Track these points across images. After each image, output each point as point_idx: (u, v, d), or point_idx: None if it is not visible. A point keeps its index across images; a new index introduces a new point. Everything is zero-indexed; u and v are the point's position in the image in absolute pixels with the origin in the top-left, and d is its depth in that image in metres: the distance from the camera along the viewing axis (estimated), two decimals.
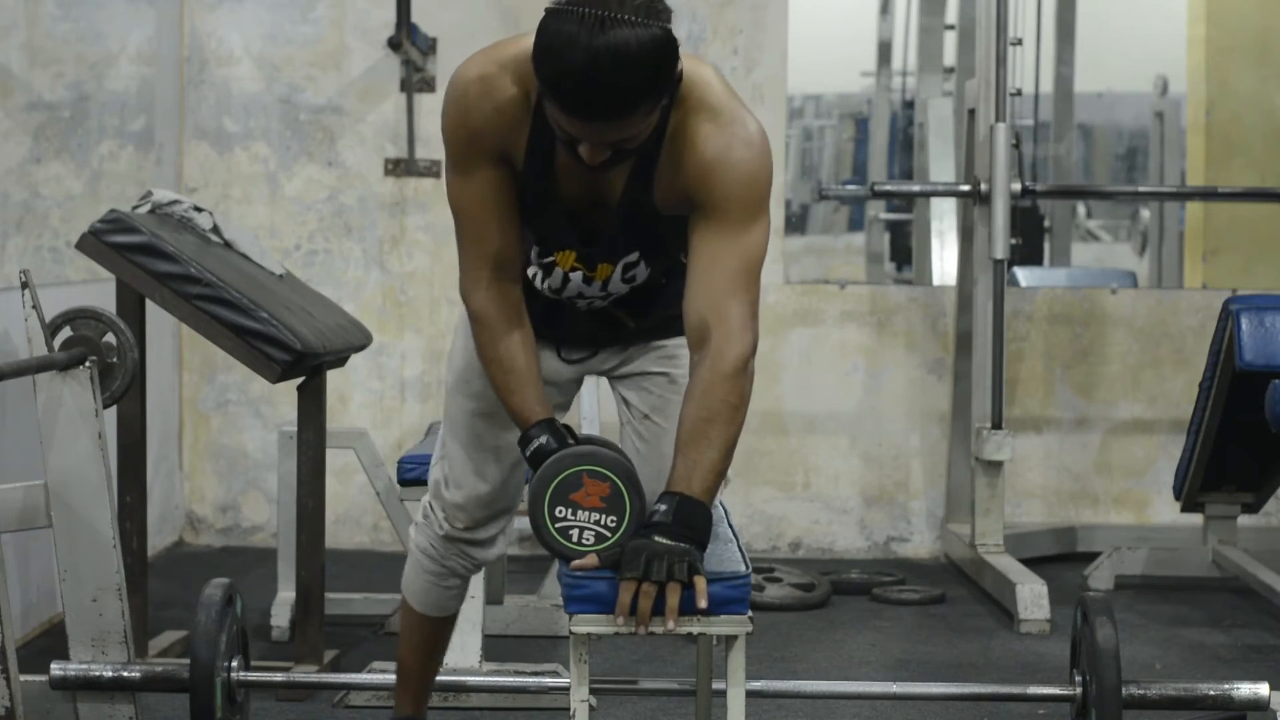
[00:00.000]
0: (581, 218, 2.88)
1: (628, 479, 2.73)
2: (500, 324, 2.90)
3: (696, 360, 2.75)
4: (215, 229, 4.20)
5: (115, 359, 3.51)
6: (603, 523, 2.73)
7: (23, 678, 3.31)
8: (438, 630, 3.31)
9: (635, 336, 3.09)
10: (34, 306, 3.36)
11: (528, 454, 2.85)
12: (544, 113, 2.71)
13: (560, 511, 2.73)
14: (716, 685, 3.07)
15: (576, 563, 2.69)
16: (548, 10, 2.62)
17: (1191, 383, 5.30)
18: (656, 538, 2.62)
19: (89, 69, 5.49)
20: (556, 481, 2.75)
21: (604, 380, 3.20)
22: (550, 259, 2.95)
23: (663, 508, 2.66)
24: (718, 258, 2.75)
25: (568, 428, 2.90)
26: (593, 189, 2.84)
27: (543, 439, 2.84)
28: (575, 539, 2.72)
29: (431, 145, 5.80)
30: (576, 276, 2.95)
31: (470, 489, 3.14)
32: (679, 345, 2.95)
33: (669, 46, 2.62)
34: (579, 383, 3.20)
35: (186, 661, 3.40)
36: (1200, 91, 7.67)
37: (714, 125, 2.77)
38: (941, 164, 7.06)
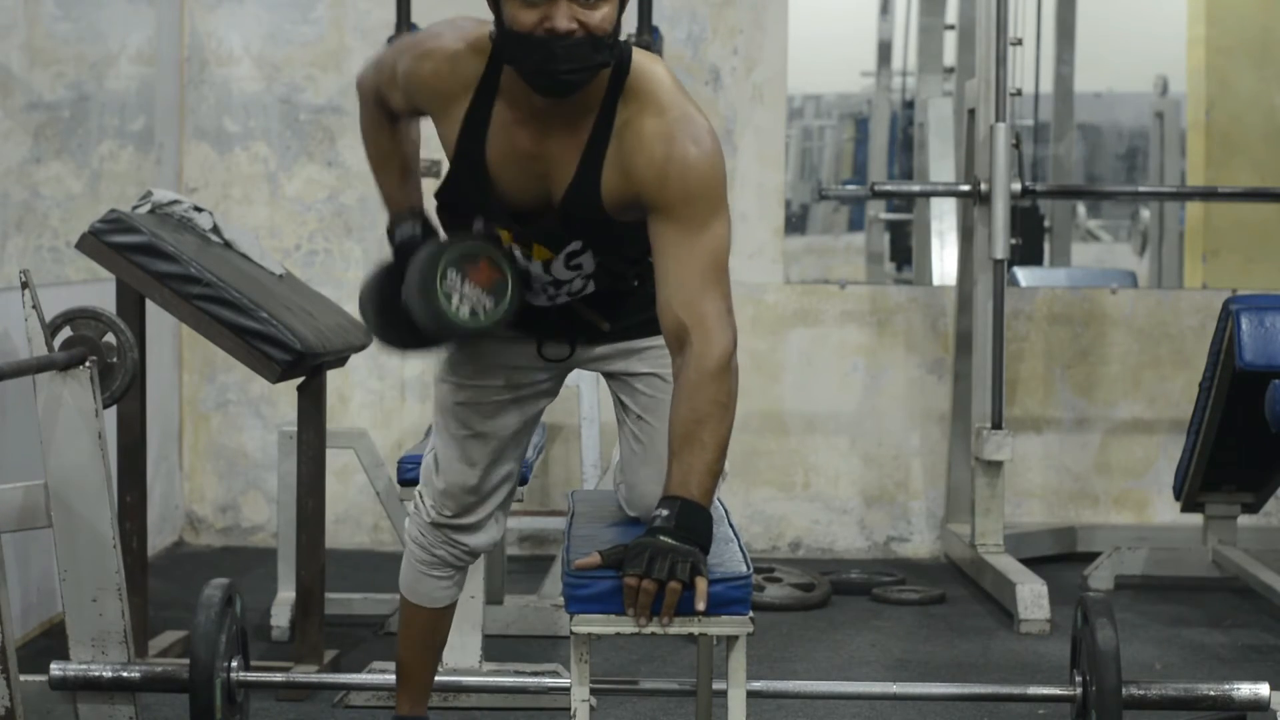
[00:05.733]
0: (521, 215, 2.94)
1: (518, 278, 2.91)
2: (384, 122, 3.15)
3: (679, 363, 2.76)
4: (215, 229, 4.20)
5: (115, 359, 3.51)
6: (482, 303, 2.89)
7: (23, 678, 3.32)
8: (433, 623, 3.32)
9: (614, 337, 3.10)
10: (34, 306, 3.36)
11: (397, 240, 3.03)
12: (484, 96, 2.87)
13: (452, 275, 2.88)
14: (717, 685, 3.07)
15: (579, 561, 2.69)
16: None
17: (1191, 383, 5.30)
18: (661, 538, 2.63)
19: (89, 69, 5.49)
20: (463, 249, 2.89)
21: (604, 380, 3.22)
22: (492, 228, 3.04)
23: (665, 512, 2.66)
24: (684, 259, 2.77)
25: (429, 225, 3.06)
26: (536, 182, 2.87)
27: (417, 229, 3.04)
28: (452, 305, 2.87)
29: (431, 145, 5.74)
30: (518, 254, 2.99)
31: (456, 476, 3.16)
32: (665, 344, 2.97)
33: None
34: (562, 377, 3.22)
35: (186, 661, 3.40)
36: (1200, 91, 7.67)
37: (662, 123, 2.80)
38: (941, 164, 7.05)
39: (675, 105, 2.81)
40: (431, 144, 6.11)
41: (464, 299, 2.89)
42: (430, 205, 3.12)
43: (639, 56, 2.84)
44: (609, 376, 3.16)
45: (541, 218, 2.91)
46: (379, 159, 3.19)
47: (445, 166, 2.98)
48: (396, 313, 2.95)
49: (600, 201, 2.84)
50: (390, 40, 5.45)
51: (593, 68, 2.76)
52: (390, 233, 3.10)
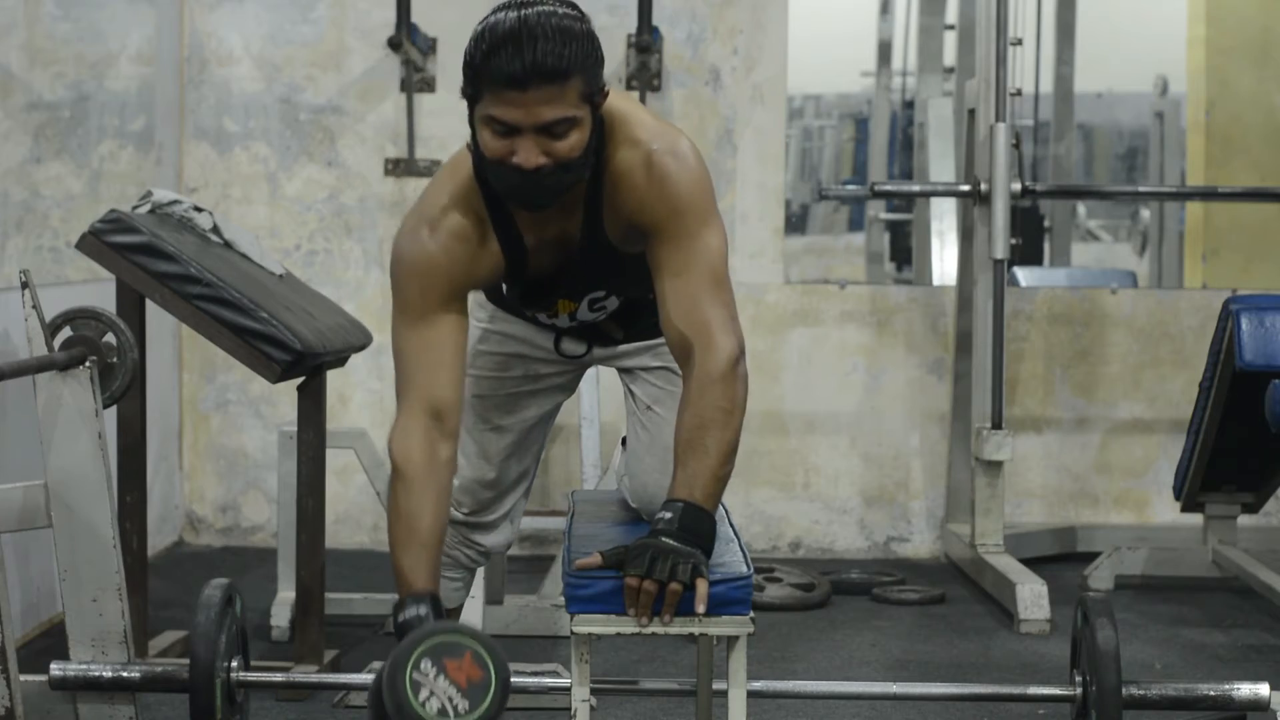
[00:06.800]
0: (546, 284, 2.93)
1: (503, 688, 2.60)
2: (418, 482, 2.76)
3: (686, 373, 2.76)
4: (215, 229, 4.20)
5: (115, 359, 3.51)
6: (455, 702, 2.59)
7: (23, 678, 3.32)
8: None
9: (628, 339, 3.12)
10: (34, 306, 3.36)
11: (400, 619, 2.72)
12: (502, 218, 2.79)
13: (426, 665, 2.58)
14: (717, 685, 3.07)
15: (580, 561, 2.69)
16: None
17: (1191, 383, 5.30)
18: (663, 539, 2.63)
19: (89, 69, 5.49)
20: (442, 638, 2.60)
21: (604, 380, 3.24)
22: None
23: (667, 515, 2.67)
24: (680, 272, 2.78)
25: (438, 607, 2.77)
26: (556, 249, 2.88)
27: (421, 610, 2.71)
28: (419, 698, 2.57)
29: (431, 145, 5.80)
30: (541, 317, 3.03)
31: (474, 472, 3.18)
32: None
33: (590, 27, 2.71)
34: (579, 374, 3.24)
35: (186, 661, 3.40)
36: (1200, 91, 7.68)
37: (638, 151, 2.81)
38: (941, 164, 7.06)
39: (645, 130, 2.82)
40: (432, 144, 6.09)
41: (435, 694, 2.58)
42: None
43: (612, 99, 2.82)
44: (622, 370, 3.19)
45: (565, 274, 2.92)
46: (408, 537, 2.78)
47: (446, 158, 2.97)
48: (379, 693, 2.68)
49: (610, 244, 2.86)
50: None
51: (565, 189, 2.75)
52: (395, 612, 2.77)
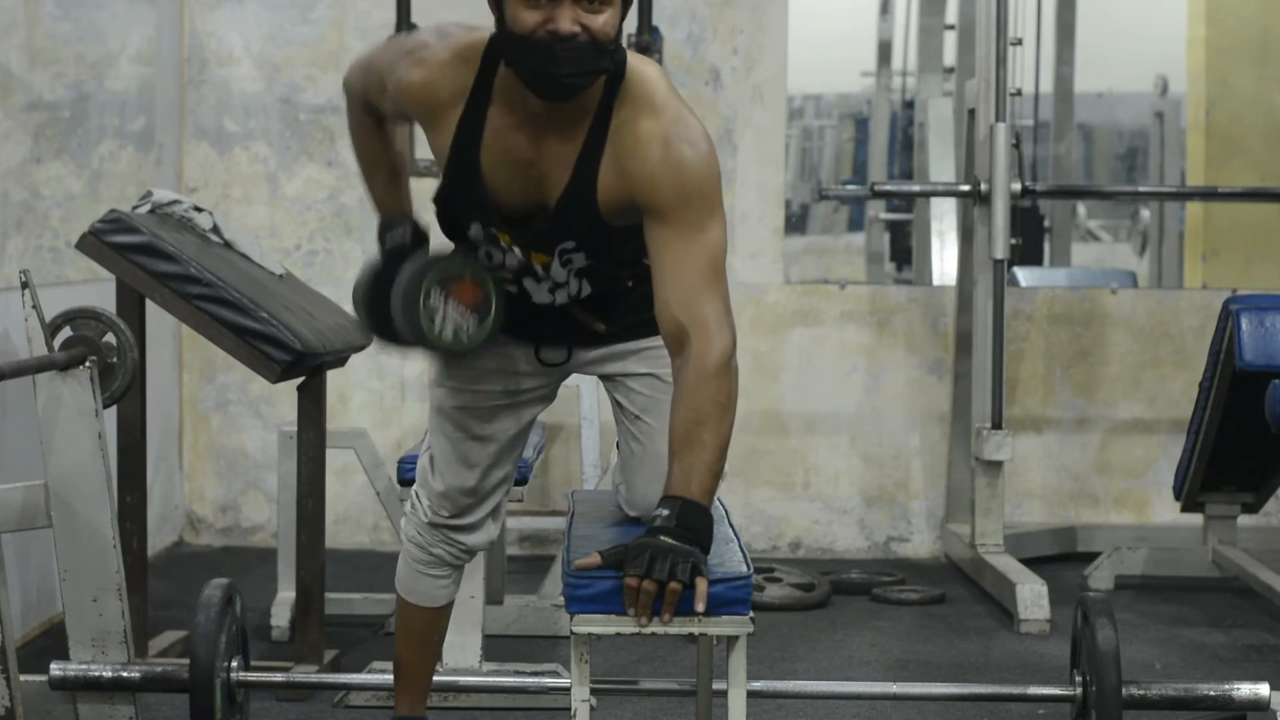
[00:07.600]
0: (516, 220, 2.95)
1: (503, 298, 2.93)
2: (373, 118, 3.13)
3: (679, 364, 2.76)
4: (215, 229, 4.20)
5: (115, 359, 3.51)
6: (465, 323, 2.93)
7: (23, 678, 3.32)
8: (431, 622, 3.32)
9: (610, 339, 3.10)
10: (34, 306, 3.36)
11: (387, 244, 3.08)
12: (477, 103, 2.87)
13: (436, 295, 2.91)
14: (717, 685, 3.07)
15: (580, 561, 2.69)
16: None
17: (1191, 383, 5.30)
18: (662, 538, 2.63)
19: (89, 69, 5.49)
20: (448, 267, 2.93)
21: (602, 384, 3.22)
22: (491, 232, 3.02)
23: (665, 512, 2.66)
24: (681, 260, 2.78)
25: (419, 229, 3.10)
26: (531, 186, 2.87)
27: (406, 234, 3.09)
28: (435, 326, 2.91)
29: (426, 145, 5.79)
30: (518, 252, 2.99)
31: (454, 478, 3.16)
32: (662, 345, 2.96)
33: None
34: (558, 384, 3.22)
35: (186, 661, 3.40)
36: (1200, 91, 7.68)
37: (658, 126, 2.82)
38: (941, 164, 7.06)
39: (670, 108, 2.82)
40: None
41: (447, 319, 2.92)
42: (422, 206, 3.13)
43: (633, 60, 2.85)
44: (606, 379, 3.16)
45: (536, 221, 2.92)
46: (367, 161, 3.25)
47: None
48: (387, 318, 2.98)
49: (596, 204, 2.85)
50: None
51: (593, 72, 2.77)
52: (380, 236, 3.13)
